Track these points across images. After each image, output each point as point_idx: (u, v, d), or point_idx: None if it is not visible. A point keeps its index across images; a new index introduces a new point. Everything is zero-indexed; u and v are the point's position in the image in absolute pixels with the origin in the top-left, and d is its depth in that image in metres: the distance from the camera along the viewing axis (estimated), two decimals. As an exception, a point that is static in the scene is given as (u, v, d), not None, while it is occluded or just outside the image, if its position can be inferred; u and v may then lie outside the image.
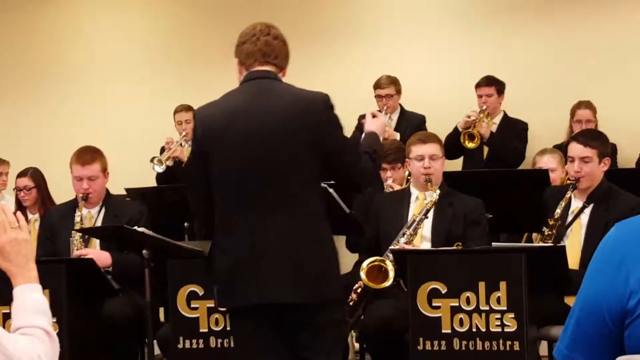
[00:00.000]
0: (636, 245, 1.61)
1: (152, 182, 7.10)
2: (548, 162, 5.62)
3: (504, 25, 7.48)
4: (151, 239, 4.38)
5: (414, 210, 4.72)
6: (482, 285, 4.04)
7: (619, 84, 7.06)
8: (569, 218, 4.64)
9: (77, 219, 4.91)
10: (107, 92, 8.43)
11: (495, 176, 5.37)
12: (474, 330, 4.04)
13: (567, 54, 7.25)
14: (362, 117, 4.56)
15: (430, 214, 4.60)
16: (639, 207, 4.35)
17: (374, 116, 3.78)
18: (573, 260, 4.36)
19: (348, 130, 3.76)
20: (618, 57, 7.12)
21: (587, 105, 6.68)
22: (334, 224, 3.53)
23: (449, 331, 4.07)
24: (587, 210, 4.61)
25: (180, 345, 4.37)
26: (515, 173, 5.83)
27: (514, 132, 6.84)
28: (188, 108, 7.43)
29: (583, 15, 7.27)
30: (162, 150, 7.42)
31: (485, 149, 6.75)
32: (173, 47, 8.33)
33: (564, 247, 4.18)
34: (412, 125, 6.78)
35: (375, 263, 4.42)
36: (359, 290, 4.41)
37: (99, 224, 4.98)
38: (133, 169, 7.22)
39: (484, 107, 6.78)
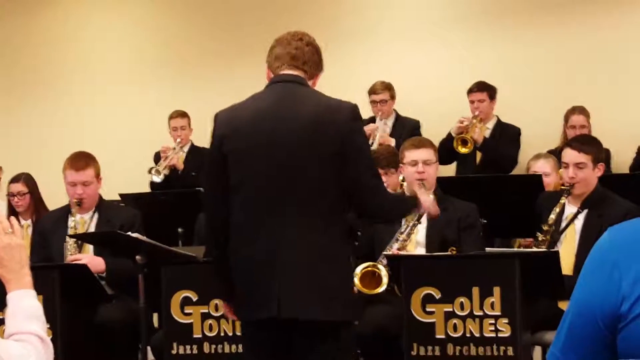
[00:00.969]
0: (629, 250, 1.61)
1: (145, 188, 7.10)
2: (542, 166, 5.62)
3: (498, 31, 7.50)
4: (145, 244, 4.37)
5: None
6: (476, 291, 4.04)
7: (612, 90, 7.08)
8: (563, 224, 4.65)
9: (71, 224, 4.90)
10: (100, 98, 8.43)
11: (489, 181, 5.38)
12: (468, 335, 4.04)
13: (561, 59, 7.28)
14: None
15: (424, 219, 4.60)
16: (633, 213, 4.35)
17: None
18: (567, 266, 4.36)
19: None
20: (612, 63, 7.14)
21: (581, 110, 6.70)
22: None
23: (443, 336, 4.06)
24: (581, 216, 4.62)
25: (174, 351, 4.35)
26: (508, 178, 5.84)
27: (507, 137, 6.86)
28: (183, 114, 7.44)
29: (577, 22, 7.29)
30: (156, 156, 7.41)
31: (479, 154, 6.76)
32: (168, 53, 8.33)
33: (557, 253, 4.18)
34: (406, 130, 6.79)
35: (369, 269, 4.41)
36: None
37: (92, 229, 4.96)
38: (126, 175, 7.22)
39: (477, 113, 6.80)
